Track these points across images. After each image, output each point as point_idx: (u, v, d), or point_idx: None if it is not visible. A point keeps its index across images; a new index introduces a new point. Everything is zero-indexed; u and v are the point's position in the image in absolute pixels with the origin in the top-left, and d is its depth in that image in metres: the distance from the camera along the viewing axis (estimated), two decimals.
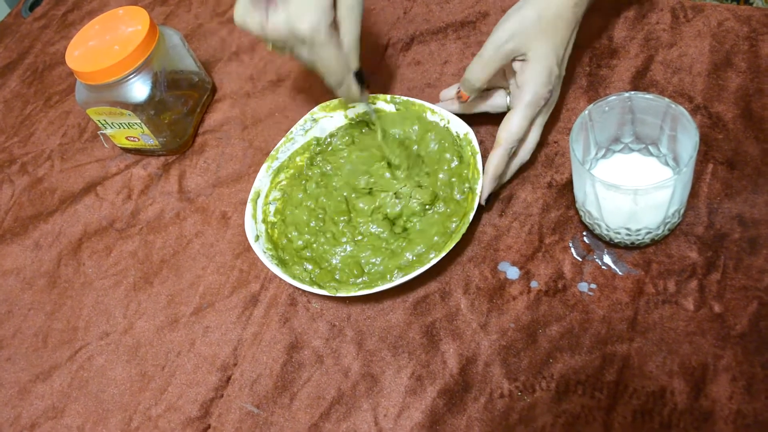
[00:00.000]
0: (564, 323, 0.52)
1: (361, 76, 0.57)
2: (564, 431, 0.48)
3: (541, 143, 0.62)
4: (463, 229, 0.54)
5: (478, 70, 0.56)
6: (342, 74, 0.55)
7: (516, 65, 0.56)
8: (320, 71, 0.55)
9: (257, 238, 0.59)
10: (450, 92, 0.63)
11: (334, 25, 0.53)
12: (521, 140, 0.56)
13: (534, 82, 0.54)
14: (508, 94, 0.59)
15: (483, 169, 0.57)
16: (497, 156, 0.55)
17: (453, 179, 0.60)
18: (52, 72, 0.92)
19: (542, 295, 0.54)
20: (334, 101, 0.66)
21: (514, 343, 0.53)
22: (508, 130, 0.55)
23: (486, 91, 0.60)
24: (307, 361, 0.57)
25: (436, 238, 0.57)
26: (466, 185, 0.59)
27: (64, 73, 0.91)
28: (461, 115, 0.61)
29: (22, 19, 1.03)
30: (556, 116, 0.64)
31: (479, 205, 0.56)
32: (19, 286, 0.71)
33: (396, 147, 0.61)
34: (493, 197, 0.58)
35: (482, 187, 0.56)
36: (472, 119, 0.62)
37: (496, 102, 0.60)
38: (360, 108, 0.65)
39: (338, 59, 0.54)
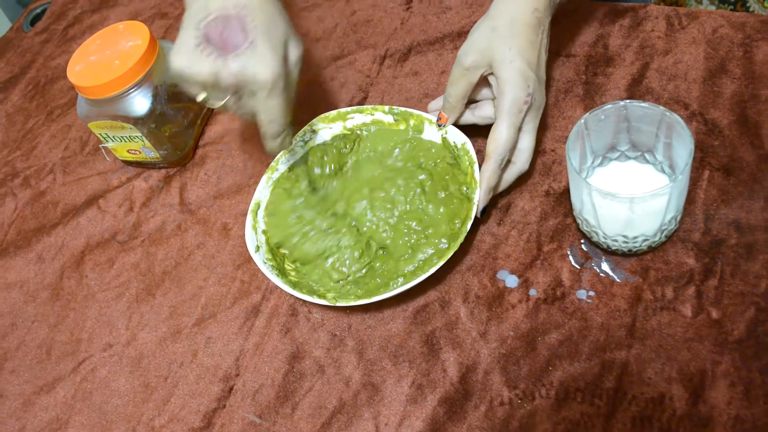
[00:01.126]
0: (563, 331, 0.53)
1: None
2: None
3: (538, 152, 0.63)
4: (461, 238, 0.55)
5: (451, 91, 0.59)
6: (284, 124, 0.55)
7: (491, 78, 0.57)
8: (263, 120, 0.54)
9: (257, 248, 0.60)
10: (438, 103, 0.64)
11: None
12: (511, 149, 0.56)
13: (509, 88, 0.54)
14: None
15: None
16: (489, 169, 0.55)
17: (446, 176, 0.61)
18: (53, 86, 0.93)
19: (541, 303, 0.55)
20: (333, 112, 0.66)
21: (513, 351, 0.53)
22: (495, 141, 0.55)
23: (474, 103, 0.61)
24: (308, 370, 0.57)
25: (444, 241, 0.58)
26: (465, 188, 0.59)
27: (65, 88, 0.92)
28: (458, 125, 0.62)
29: (23, 33, 1.04)
30: (552, 124, 0.64)
31: (476, 217, 0.56)
32: (22, 299, 0.72)
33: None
34: (490, 207, 0.58)
35: (478, 200, 0.56)
36: (469, 129, 0.62)
37: (484, 113, 0.60)
38: (357, 119, 0.66)
39: (285, 110, 0.54)
